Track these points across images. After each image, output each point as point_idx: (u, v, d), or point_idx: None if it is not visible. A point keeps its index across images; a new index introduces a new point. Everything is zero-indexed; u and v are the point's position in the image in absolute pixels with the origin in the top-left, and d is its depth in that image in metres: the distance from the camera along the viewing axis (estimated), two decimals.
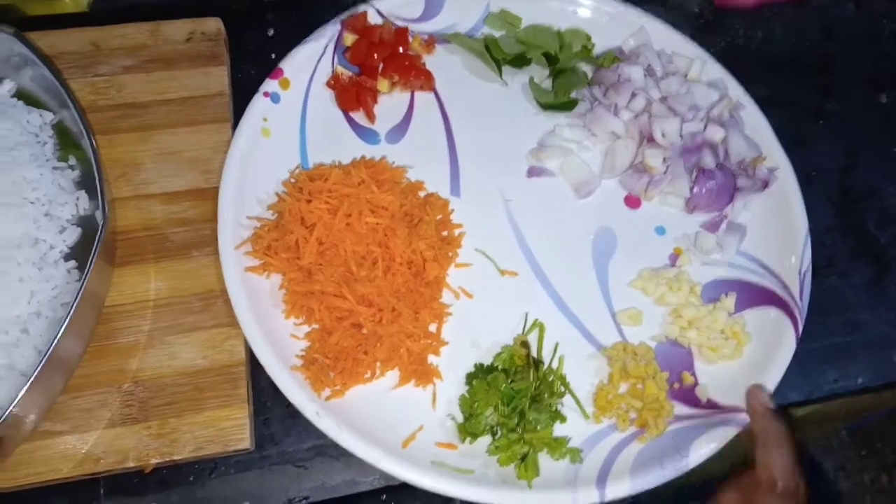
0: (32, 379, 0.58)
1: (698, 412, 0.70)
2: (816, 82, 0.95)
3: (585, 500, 0.64)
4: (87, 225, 0.72)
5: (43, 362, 0.59)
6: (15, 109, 0.75)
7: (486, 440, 0.66)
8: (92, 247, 0.64)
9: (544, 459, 0.66)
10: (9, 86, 0.77)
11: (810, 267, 0.76)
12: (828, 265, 0.82)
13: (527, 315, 0.73)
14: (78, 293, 0.61)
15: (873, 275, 0.82)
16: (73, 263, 0.70)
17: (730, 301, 0.75)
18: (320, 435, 0.66)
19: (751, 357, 0.72)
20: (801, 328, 0.73)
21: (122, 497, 0.66)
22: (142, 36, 0.83)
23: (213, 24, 0.85)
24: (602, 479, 0.65)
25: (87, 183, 0.74)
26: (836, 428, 1.74)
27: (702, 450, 0.67)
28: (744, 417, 0.68)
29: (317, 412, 0.65)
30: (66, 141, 0.76)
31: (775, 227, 0.79)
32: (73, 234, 0.71)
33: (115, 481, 0.66)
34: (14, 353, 0.64)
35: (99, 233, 0.65)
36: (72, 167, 0.75)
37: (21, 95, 0.77)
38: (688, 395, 0.71)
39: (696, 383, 0.72)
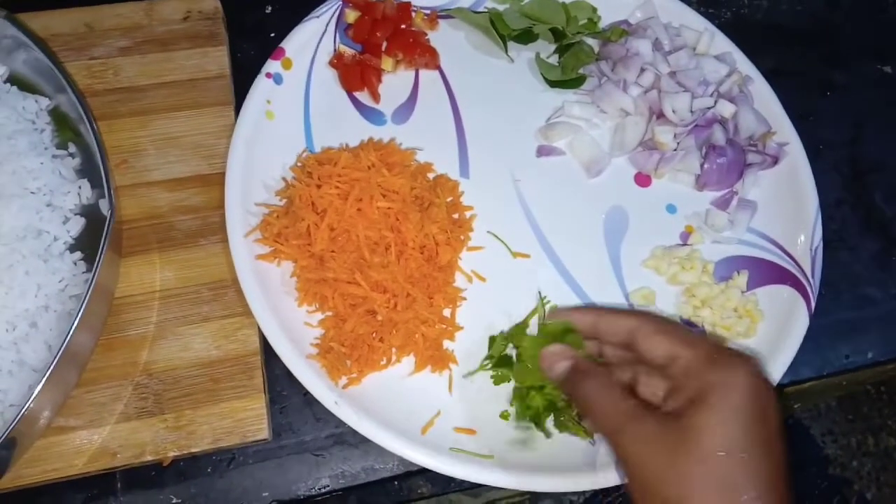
0: (48, 375, 0.57)
1: None
2: (822, 53, 0.94)
3: (605, 482, 0.64)
4: (90, 214, 0.70)
5: (58, 357, 0.57)
6: (9, 96, 0.72)
7: (502, 428, 0.66)
8: (96, 237, 0.62)
9: (564, 443, 0.66)
10: (0, 70, 0.74)
11: (822, 243, 0.76)
12: (838, 239, 0.82)
13: (544, 298, 0.73)
14: (89, 285, 0.60)
15: (881, 248, 0.83)
16: (78, 255, 0.68)
17: (742, 279, 0.75)
18: (338, 423, 0.66)
19: (764, 335, 0.73)
20: (813, 305, 0.73)
21: (140, 490, 0.65)
22: (136, 16, 0.81)
23: (210, 2, 0.82)
24: None
25: (89, 171, 0.72)
26: (833, 396, 1.77)
27: None
28: None
29: (335, 401, 0.64)
30: (63, 127, 0.74)
31: (786, 204, 0.79)
32: (77, 225, 0.69)
33: (132, 474, 0.65)
34: (24, 348, 0.63)
35: (107, 222, 0.63)
36: (72, 155, 0.73)
37: (14, 81, 0.74)
38: None
39: None
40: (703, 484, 0.46)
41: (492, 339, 0.70)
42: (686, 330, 0.54)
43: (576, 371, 0.57)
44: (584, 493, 0.90)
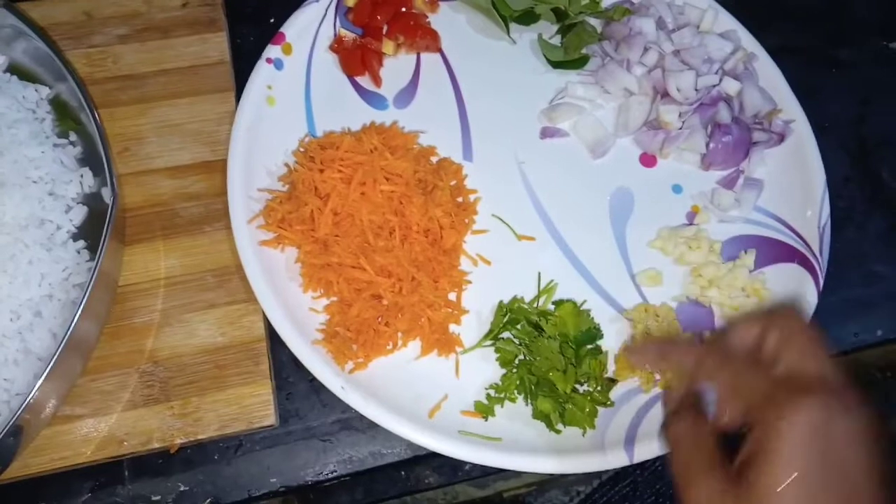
0: (52, 363, 0.57)
1: None
2: (827, 29, 0.93)
3: (615, 462, 0.64)
4: (92, 203, 0.70)
5: (62, 346, 0.57)
6: (9, 85, 0.72)
7: (509, 410, 0.66)
8: (99, 225, 0.62)
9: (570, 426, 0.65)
10: (0, 59, 0.74)
11: (829, 221, 0.75)
12: (845, 217, 0.81)
13: (550, 281, 0.72)
14: (93, 274, 0.60)
15: (889, 225, 0.82)
16: (81, 243, 0.68)
17: (749, 258, 0.74)
18: (345, 408, 0.66)
19: None
20: (821, 283, 0.72)
21: (148, 478, 0.65)
22: (135, 3, 0.80)
23: None
24: (630, 441, 0.65)
25: (90, 159, 0.72)
26: None
27: None
28: None
29: (342, 386, 0.64)
30: (64, 116, 0.73)
31: (792, 182, 0.78)
32: (80, 213, 0.69)
33: (139, 462, 0.65)
34: (29, 337, 0.63)
35: (110, 211, 0.63)
36: (72, 143, 0.72)
37: (14, 70, 0.74)
38: None
39: None
40: None
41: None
42: (747, 364, 0.50)
43: (670, 406, 0.55)
44: (590, 483, 0.89)
